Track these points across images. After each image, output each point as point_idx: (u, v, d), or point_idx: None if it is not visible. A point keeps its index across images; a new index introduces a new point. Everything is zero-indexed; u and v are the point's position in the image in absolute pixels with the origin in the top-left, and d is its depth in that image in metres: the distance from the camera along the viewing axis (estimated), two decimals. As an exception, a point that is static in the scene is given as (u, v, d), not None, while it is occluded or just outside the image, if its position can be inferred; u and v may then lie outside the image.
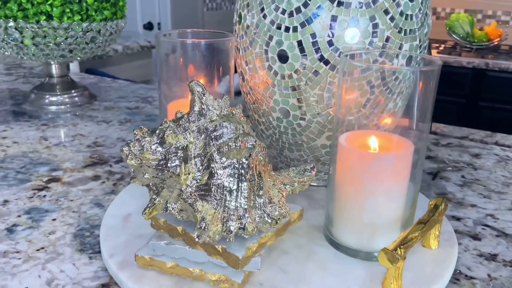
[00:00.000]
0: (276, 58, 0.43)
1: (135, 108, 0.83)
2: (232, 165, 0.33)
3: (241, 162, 0.33)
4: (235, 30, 0.47)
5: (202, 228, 0.32)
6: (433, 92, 0.36)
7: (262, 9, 0.42)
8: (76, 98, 0.83)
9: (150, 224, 0.38)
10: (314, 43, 0.41)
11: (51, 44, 0.71)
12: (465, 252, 0.42)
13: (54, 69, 0.82)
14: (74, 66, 1.54)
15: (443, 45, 2.35)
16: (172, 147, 0.33)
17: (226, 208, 0.33)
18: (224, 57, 0.46)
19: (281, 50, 0.42)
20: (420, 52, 0.43)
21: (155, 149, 0.33)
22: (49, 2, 0.68)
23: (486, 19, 2.45)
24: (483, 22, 2.45)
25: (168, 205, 0.34)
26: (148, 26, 2.56)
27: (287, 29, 0.41)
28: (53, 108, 0.80)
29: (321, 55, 0.41)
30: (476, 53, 2.17)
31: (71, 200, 0.49)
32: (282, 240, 0.39)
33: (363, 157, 0.37)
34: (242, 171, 0.33)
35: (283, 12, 0.41)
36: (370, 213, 0.37)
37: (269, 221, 0.34)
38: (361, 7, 0.39)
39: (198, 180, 0.33)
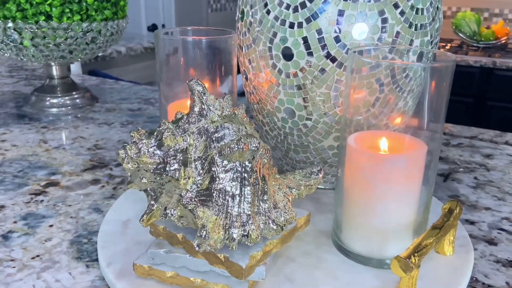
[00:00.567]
0: (281, 55, 0.41)
1: (137, 110, 0.82)
2: (235, 169, 0.31)
3: (244, 165, 0.31)
4: (238, 27, 0.46)
5: (203, 236, 0.30)
6: (447, 90, 0.34)
7: (266, 5, 0.41)
8: (77, 100, 0.82)
9: (149, 231, 0.36)
10: (320, 40, 0.39)
11: (50, 45, 0.70)
12: (481, 258, 0.40)
13: (55, 71, 0.81)
14: (76, 68, 1.53)
15: (449, 44, 2.33)
16: (171, 150, 0.32)
17: (229, 214, 0.31)
18: (226, 56, 0.44)
19: (285, 48, 0.40)
20: (431, 48, 0.41)
21: (153, 152, 0.32)
22: (48, 2, 0.67)
23: (493, 17, 2.43)
24: (490, 21, 2.42)
25: (167, 211, 0.32)
26: (153, 28, 2.55)
27: (291, 25, 0.39)
28: (54, 110, 0.79)
29: (328, 52, 0.39)
30: (483, 52, 2.14)
31: (69, 205, 0.47)
32: (288, 247, 0.37)
33: (373, 158, 0.35)
34: (245, 175, 0.31)
35: (288, 7, 0.39)
36: (381, 217, 0.35)
37: (274, 227, 0.33)
38: (369, 1, 0.38)
39: (198, 185, 0.31)
